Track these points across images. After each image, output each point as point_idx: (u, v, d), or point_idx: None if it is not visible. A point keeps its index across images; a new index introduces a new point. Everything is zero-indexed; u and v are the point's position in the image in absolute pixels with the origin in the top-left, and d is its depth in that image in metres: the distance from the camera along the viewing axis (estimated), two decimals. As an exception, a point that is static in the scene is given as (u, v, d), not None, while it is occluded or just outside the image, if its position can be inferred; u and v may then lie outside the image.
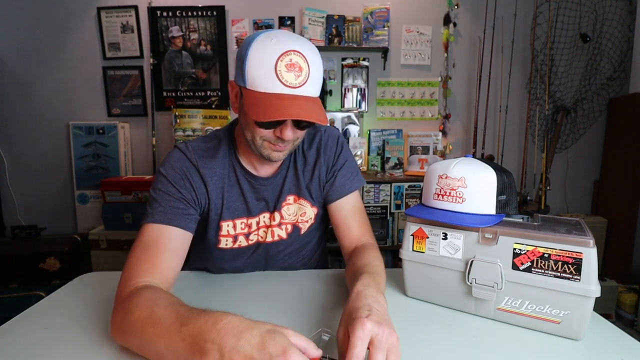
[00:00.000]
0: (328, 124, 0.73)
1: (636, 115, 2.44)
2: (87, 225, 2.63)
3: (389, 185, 2.41)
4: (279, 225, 0.88)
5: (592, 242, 0.58)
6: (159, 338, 0.50)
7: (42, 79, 2.66)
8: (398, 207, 2.43)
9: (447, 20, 2.69)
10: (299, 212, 0.88)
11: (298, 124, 0.71)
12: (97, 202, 2.61)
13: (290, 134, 0.70)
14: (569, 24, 2.65)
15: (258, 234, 0.87)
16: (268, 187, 0.85)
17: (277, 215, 0.86)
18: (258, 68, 0.66)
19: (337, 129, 0.94)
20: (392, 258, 2.57)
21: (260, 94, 0.66)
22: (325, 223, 0.99)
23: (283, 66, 0.65)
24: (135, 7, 2.61)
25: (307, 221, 0.90)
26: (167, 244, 0.70)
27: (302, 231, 0.90)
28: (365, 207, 2.38)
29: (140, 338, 0.53)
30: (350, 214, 0.88)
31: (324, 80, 2.66)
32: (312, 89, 0.69)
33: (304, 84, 0.66)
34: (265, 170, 0.85)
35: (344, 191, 0.87)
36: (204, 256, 0.91)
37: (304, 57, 0.66)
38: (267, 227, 0.87)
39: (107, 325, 0.61)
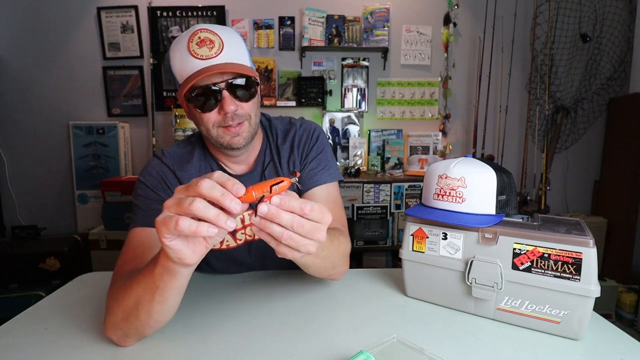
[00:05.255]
0: (257, 77, 0.76)
1: (636, 115, 2.44)
2: (87, 225, 2.63)
3: (389, 185, 2.41)
4: None
5: (592, 242, 0.58)
6: (137, 286, 0.55)
7: (42, 79, 2.66)
8: (398, 207, 2.43)
9: (447, 20, 2.69)
10: None
11: (235, 95, 0.73)
12: (97, 202, 2.61)
13: (231, 105, 0.71)
14: (569, 24, 2.65)
15: (245, 233, 0.87)
16: (245, 183, 0.84)
17: None
18: (178, 60, 0.71)
19: (315, 122, 0.94)
20: (392, 258, 2.57)
21: (187, 79, 0.70)
22: None
23: (194, 45, 0.69)
24: (135, 7, 2.61)
25: None
26: (153, 243, 0.70)
27: None
28: (365, 207, 2.42)
29: (123, 303, 0.56)
30: None
31: (323, 79, 2.66)
32: (232, 56, 0.71)
33: (220, 53, 0.70)
34: (239, 168, 0.86)
35: (312, 183, 0.85)
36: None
37: (211, 32, 0.71)
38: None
39: (107, 325, 0.61)
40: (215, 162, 0.85)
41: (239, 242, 0.86)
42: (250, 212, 0.47)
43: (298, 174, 0.47)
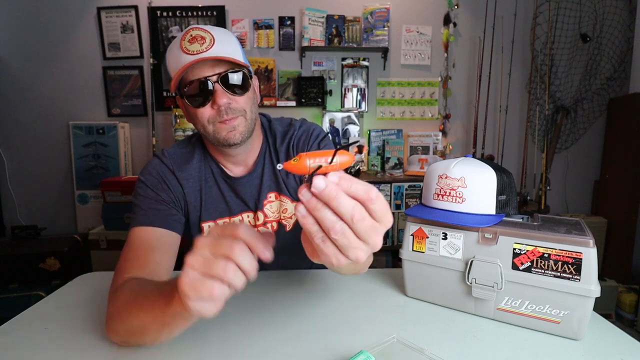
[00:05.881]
0: (249, 68, 0.77)
1: (636, 115, 2.44)
2: (87, 225, 2.63)
3: (389, 185, 2.41)
4: (264, 224, 0.87)
5: (592, 242, 0.58)
6: (145, 314, 0.53)
7: (42, 79, 2.66)
8: (398, 207, 2.43)
9: (447, 20, 2.69)
10: (280, 209, 0.88)
11: (228, 87, 0.72)
12: (97, 202, 2.61)
13: (223, 98, 0.71)
14: (569, 24, 2.65)
15: None
16: (244, 185, 0.85)
17: (260, 214, 0.86)
18: (172, 59, 0.73)
19: (316, 123, 0.94)
20: (392, 258, 2.57)
21: (179, 73, 0.71)
22: None
23: (186, 42, 0.71)
24: (135, 7, 2.61)
25: (290, 217, 0.89)
26: (153, 243, 0.71)
27: (288, 228, 0.89)
28: (365, 207, 2.41)
29: (128, 321, 0.55)
30: None
31: (323, 79, 2.66)
32: (223, 50, 0.71)
33: (210, 47, 0.70)
34: (238, 169, 0.86)
35: None
36: None
37: (203, 29, 0.72)
38: (253, 226, 0.87)
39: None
40: (214, 164, 0.85)
41: None
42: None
43: (365, 148, 0.39)
